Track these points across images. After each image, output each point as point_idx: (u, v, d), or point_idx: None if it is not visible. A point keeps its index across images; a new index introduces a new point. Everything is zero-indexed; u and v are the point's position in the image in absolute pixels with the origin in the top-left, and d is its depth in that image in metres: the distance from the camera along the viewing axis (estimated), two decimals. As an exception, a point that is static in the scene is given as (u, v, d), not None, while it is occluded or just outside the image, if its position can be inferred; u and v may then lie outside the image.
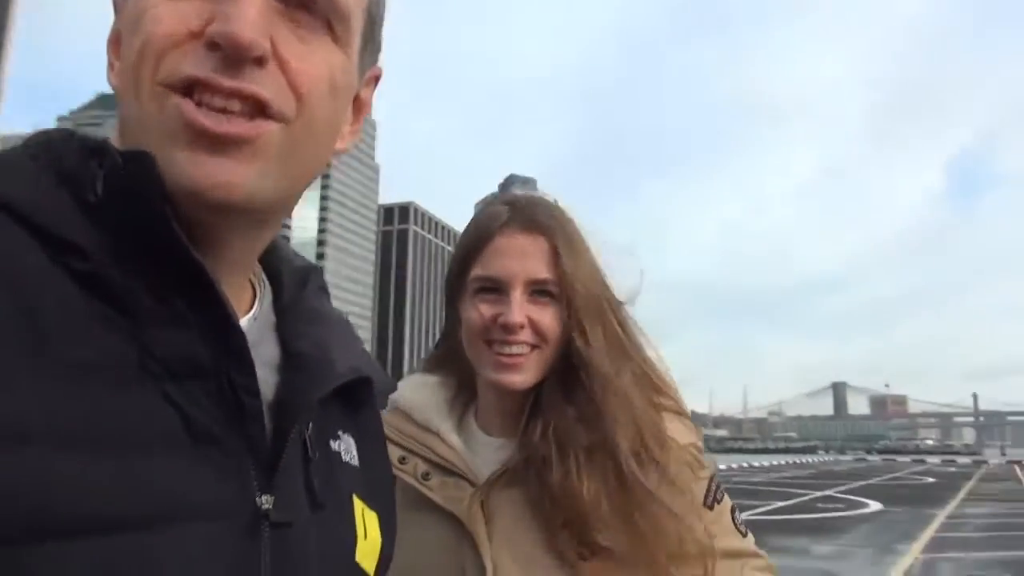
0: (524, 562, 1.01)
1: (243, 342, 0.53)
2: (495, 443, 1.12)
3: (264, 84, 0.51)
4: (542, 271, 1.07)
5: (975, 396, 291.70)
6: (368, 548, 0.64)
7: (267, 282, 0.68)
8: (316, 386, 0.60)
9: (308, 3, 0.53)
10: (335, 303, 0.76)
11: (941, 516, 16.43)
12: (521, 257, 1.08)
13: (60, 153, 0.52)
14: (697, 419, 1.30)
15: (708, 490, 1.08)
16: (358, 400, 0.69)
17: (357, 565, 0.62)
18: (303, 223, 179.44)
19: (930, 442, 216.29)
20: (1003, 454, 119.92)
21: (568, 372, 1.07)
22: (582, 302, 1.07)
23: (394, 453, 1.10)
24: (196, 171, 0.49)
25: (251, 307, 0.64)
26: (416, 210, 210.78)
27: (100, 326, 0.47)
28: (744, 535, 1.11)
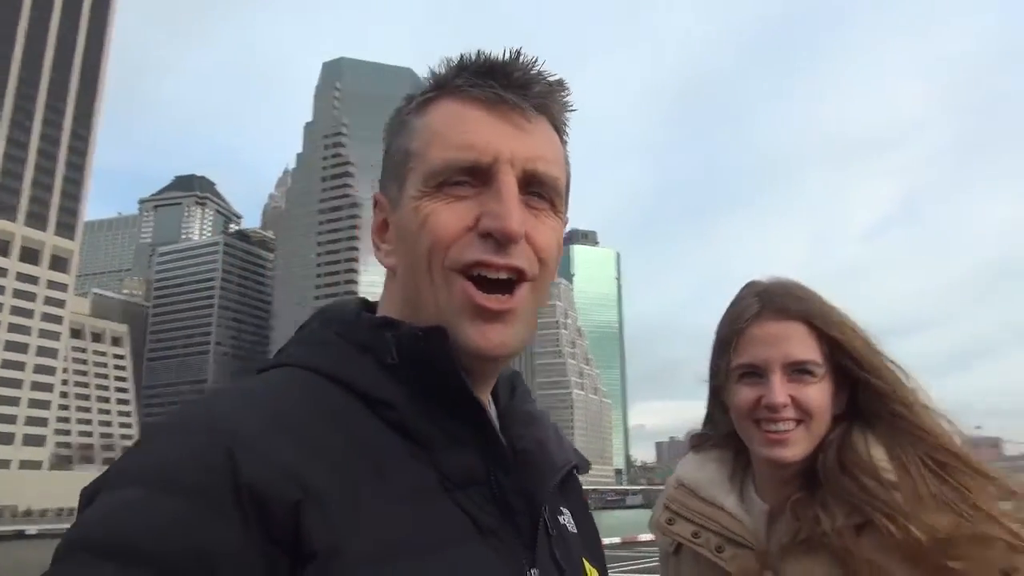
0: None
1: (506, 453, 0.71)
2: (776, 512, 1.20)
3: (520, 257, 0.71)
4: (800, 352, 1.17)
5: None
6: None
7: None
8: (547, 479, 0.76)
9: (540, 192, 0.74)
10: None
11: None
12: (776, 343, 1.18)
13: (356, 329, 0.74)
14: None
15: None
16: (568, 479, 0.86)
17: None
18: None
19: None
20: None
21: (844, 442, 1.14)
22: (865, 353, 1.16)
23: (686, 528, 1.27)
24: (481, 338, 0.70)
25: None
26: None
27: (410, 457, 0.66)
28: None
